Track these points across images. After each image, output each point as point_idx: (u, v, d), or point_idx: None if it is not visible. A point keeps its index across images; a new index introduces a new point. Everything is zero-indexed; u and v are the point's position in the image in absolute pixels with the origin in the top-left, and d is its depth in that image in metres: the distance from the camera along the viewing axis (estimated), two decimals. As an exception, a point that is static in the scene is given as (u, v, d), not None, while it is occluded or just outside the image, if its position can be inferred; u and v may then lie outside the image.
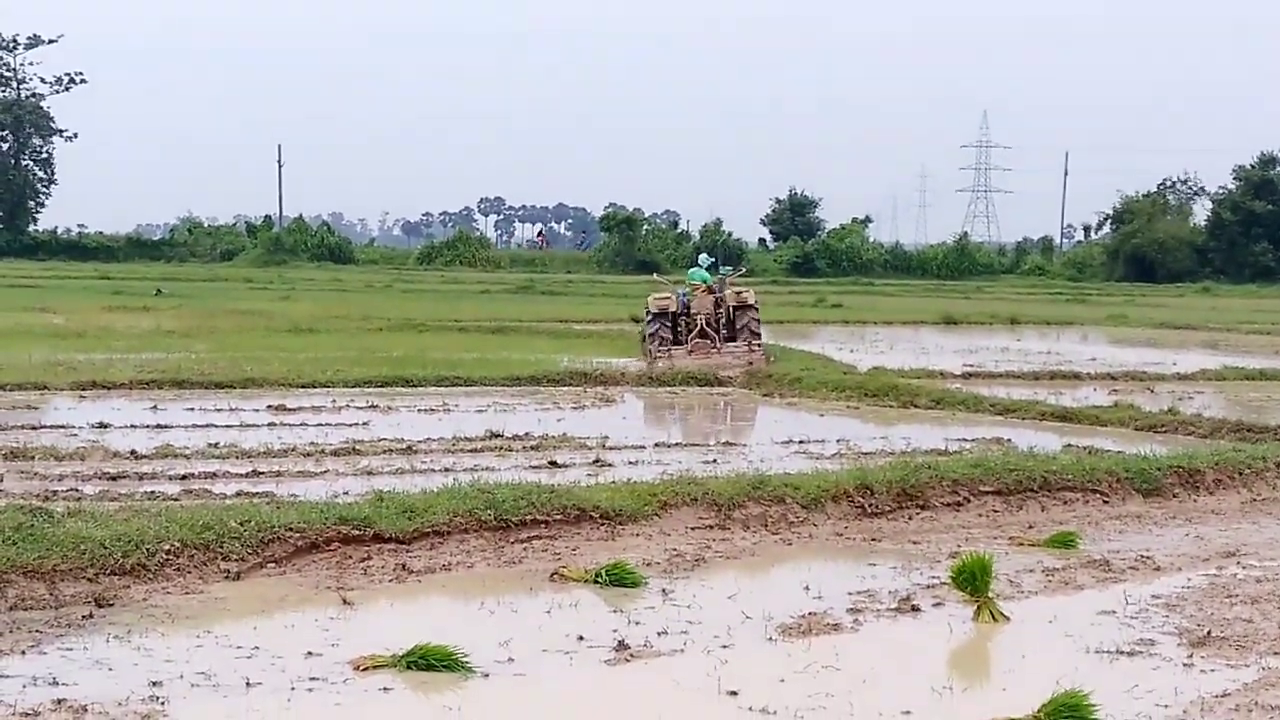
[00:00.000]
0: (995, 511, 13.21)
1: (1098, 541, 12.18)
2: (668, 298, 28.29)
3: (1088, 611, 9.73)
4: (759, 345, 27.57)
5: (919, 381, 23.57)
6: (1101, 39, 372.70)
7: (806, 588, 10.17)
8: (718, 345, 27.53)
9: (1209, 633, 9.11)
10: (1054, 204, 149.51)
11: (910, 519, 12.81)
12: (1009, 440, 17.45)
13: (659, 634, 8.88)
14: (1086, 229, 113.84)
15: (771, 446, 16.84)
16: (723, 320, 28.15)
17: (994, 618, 9.44)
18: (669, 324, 27.82)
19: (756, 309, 28.41)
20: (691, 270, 30.15)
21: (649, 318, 28.04)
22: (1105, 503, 13.73)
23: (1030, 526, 12.76)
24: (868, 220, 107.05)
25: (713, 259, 31.71)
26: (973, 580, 9.64)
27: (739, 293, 28.77)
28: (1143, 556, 11.53)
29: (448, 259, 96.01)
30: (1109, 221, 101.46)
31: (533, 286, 63.34)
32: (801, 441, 17.23)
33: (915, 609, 9.69)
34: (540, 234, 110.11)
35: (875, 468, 13.79)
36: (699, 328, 27.85)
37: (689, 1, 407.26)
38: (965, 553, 10.30)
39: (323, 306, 42.63)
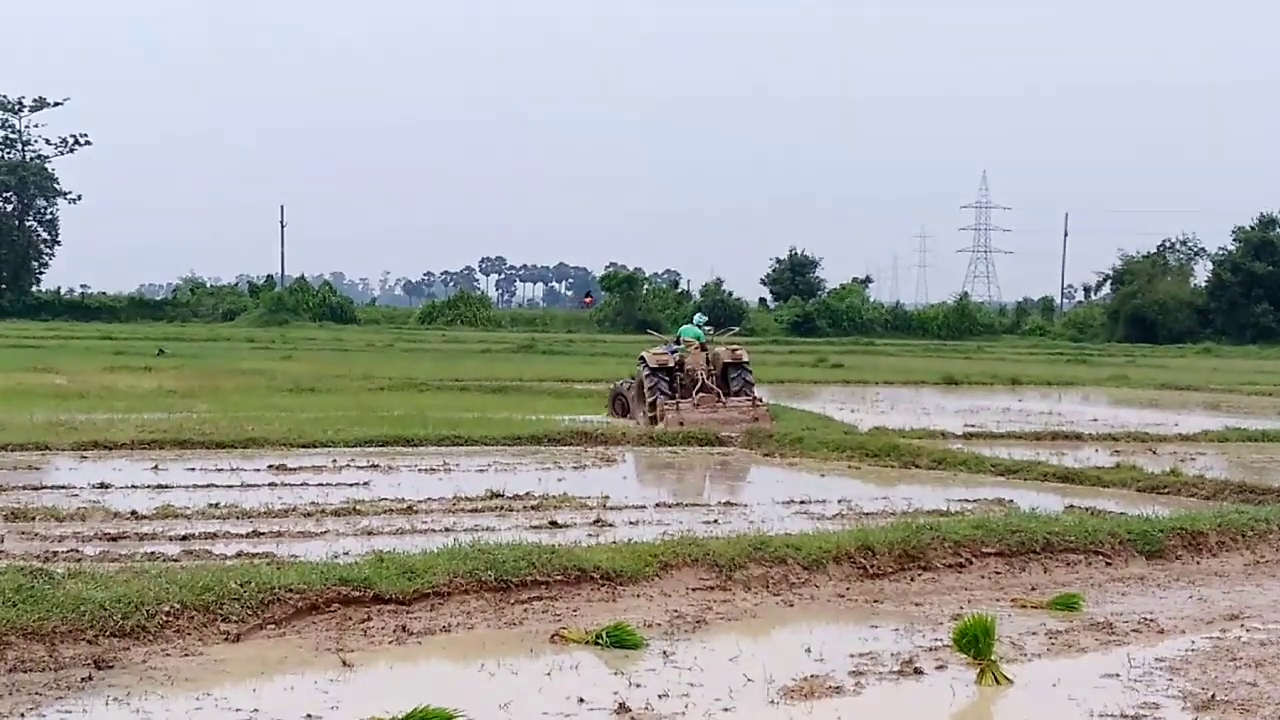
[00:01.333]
0: (998, 573, 13.16)
1: (1101, 604, 12.12)
2: (665, 353, 28.28)
3: (1091, 675, 9.68)
4: (761, 401, 27.55)
5: (920, 442, 23.54)
6: (1100, 100, 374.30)
7: (808, 650, 10.13)
8: (723, 400, 27.49)
9: (1213, 696, 9.06)
10: (1054, 264, 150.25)
11: (912, 580, 12.77)
12: (1011, 501, 17.42)
13: (660, 696, 8.83)
14: (1087, 289, 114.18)
15: (773, 507, 16.80)
16: (714, 377, 28.10)
17: (997, 680, 9.38)
18: (667, 379, 27.76)
19: (749, 367, 28.55)
20: (684, 327, 30.16)
21: (647, 372, 27.91)
22: (1108, 564, 13.68)
23: (1033, 588, 12.71)
24: (868, 280, 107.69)
25: (707, 319, 31.72)
26: (975, 643, 9.60)
27: (733, 349, 28.97)
28: (1146, 619, 11.49)
29: (449, 318, 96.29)
30: (1109, 282, 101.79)
31: (534, 346, 63.43)
32: (803, 502, 17.20)
33: (918, 671, 9.64)
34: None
35: (877, 529, 13.74)
36: (700, 383, 27.79)
37: (690, 65, 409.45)
38: (968, 615, 10.25)
39: (324, 366, 42.69)
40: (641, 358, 28.36)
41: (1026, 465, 20.75)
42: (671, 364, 27.95)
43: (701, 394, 27.46)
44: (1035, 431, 26.93)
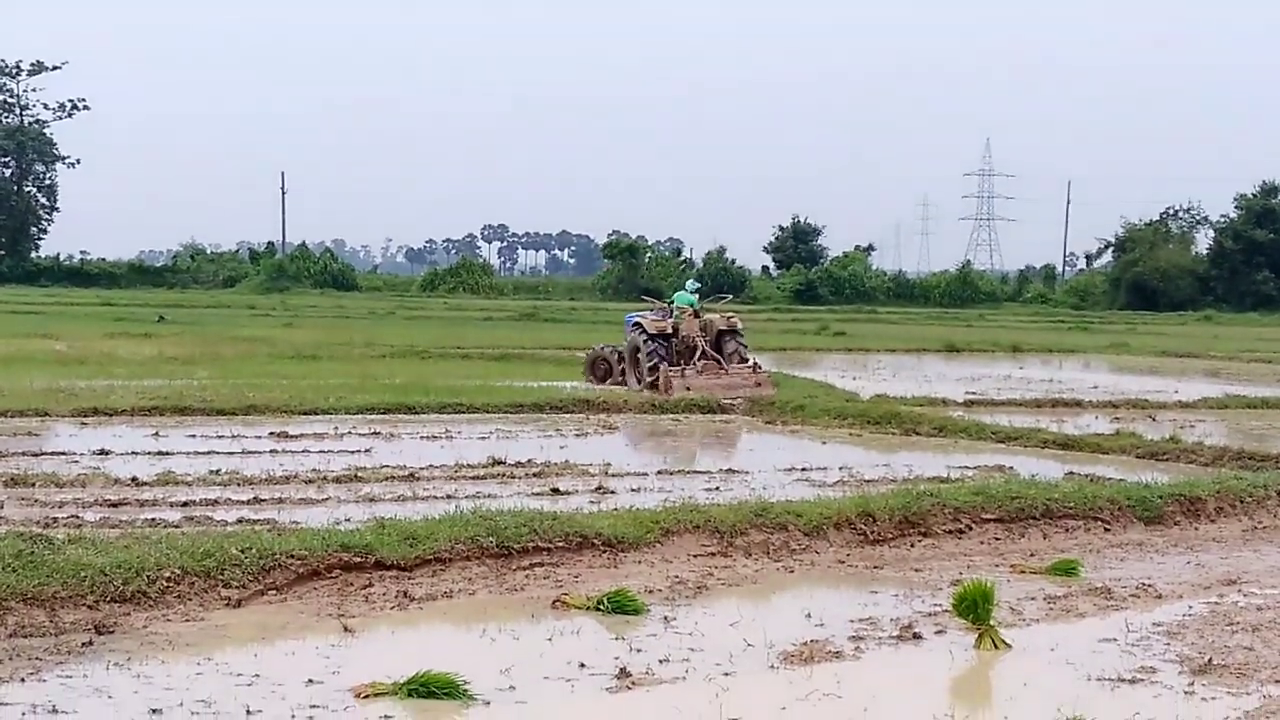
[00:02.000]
0: (997, 539, 13.20)
1: (1099, 569, 12.16)
2: (661, 319, 28.32)
3: (1089, 639, 9.71)
4: (762, 368, 27.60)
5: (921, 409, 23.57)
6: (1104, 67, 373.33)
7: (808, 615, 10.16)
8: (725, 366, 27.55)
9: (1210, 660, 9.09)
10: (1056, 232, 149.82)
11: (912, 546, 12.80)
12: (1011, 468, 17.45)
13: (661, 661, 8.86)
14: (1088, 257, 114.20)
15: (774, 474, 16.82)
16: (709, 344, 28.12)
17: (995, 645, 9.42)
18: (664, 345, 27.78)
19: (742, 334, 28.67)
20: (678, 294, 30.17)
21: (645, 338, 27.87)
22: (1107, 530, 13.72)
23: (1032, 554, 12.74)
24: (870, 248, 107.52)
25: (699, 285, 31.77)
26: (974, 608, 9.64)
27: (728, 317, 29.10)
28: (1144, 584, 11.52)
29: (451, 286, 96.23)
30: (1111, 250, 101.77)
31: (536, 314, 63.42)
32: (804, 469, 17.22)
33: (917, 637, 9.67)
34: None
35: (877, 495, 13.77)
36: (700, 350, 27.79)
37: (691, 29, 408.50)
38: (967, 580, 10.29)
39: (325, 333, 42.69)
40: (636, 323, 28.32)
41: (1027, 432, 20.78)
42: (668, 330, 27.96)
43: (704, 361, 27.47)
44: (1036, 399, 26.96)
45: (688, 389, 26.13)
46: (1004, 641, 9.48)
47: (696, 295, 30.08)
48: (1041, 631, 9.99)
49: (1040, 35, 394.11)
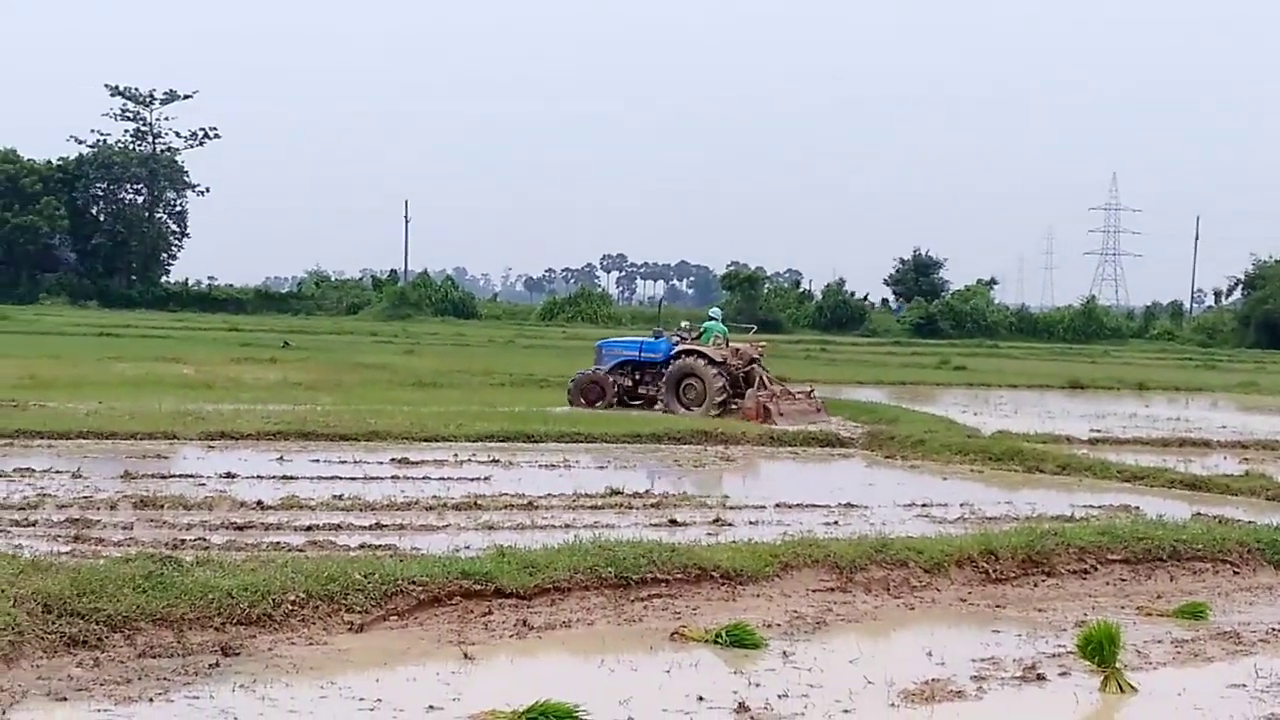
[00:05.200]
0: (1123, 580, 13.00)
1: (1228, 613, 11.94)
2: (720, 349, 29.16)
3: (1217, 685, 9.54)
4: (816, 395, 28.82)
5: (1044, 446, 23.29)
6: (1235, 103, 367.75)
7: (929, 653, 10.06)
8: (794, 394, 28.59)
9: (1344, 710, 8.88)
10: (1184, 268, 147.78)
11: (1035, 586, 12.64)
12: (1137, 508, 17.19)
13: (780, 696, 8.81)
14: (1217, 294, 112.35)
15: (893, 509, 16.70)
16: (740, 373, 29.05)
17: (1121, 689, 9.28)
18: (727, 374, 28.74)
19: (764, 365, 29.63)
20: (710, 323, 30.59)
21: (705, 363, 28.60)
22: (1235, 573, 13.47)
23: (1158, 596, 12.54)
24: (993, 282, 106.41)
25: (722, 311, 32.34)
26: (1100, 650, 9.49)
27: (758, 346, 30.28)
28: (1274, 629, 11.30)
29: (569, 315, 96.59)
30: (1240, 287, 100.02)
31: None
32: (924, 505, 17.08)
33: (1041, 678, 9.54)
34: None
35: (1000, 533, 13.63)
36: (759, 379, 28.76)
37: (813, 61, 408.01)
38: (1092, 621, 10.13)
39: (446, 361, 43.00)
40: (696, 351, 28.91)
41: (1153, 472, 20.47)
42: (725, 359, 28.86)
43: (772, 390, 28.47)
44: (1162, 438, 26.53)
45: (781, 414, 27.13)
46: (1130, 685, 9.33)
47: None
48: (1168, 675, 9.82)
49: (1168, 69, 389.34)
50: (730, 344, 29.61)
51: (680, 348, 29.25)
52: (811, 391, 29.08)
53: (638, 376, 29.83)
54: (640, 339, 30.79)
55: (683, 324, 31.71)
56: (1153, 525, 14.24)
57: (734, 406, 28.25)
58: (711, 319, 30.82)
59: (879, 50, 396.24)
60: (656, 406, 28.78)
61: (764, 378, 28.95)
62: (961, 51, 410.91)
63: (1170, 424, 30.10)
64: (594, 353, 31.39)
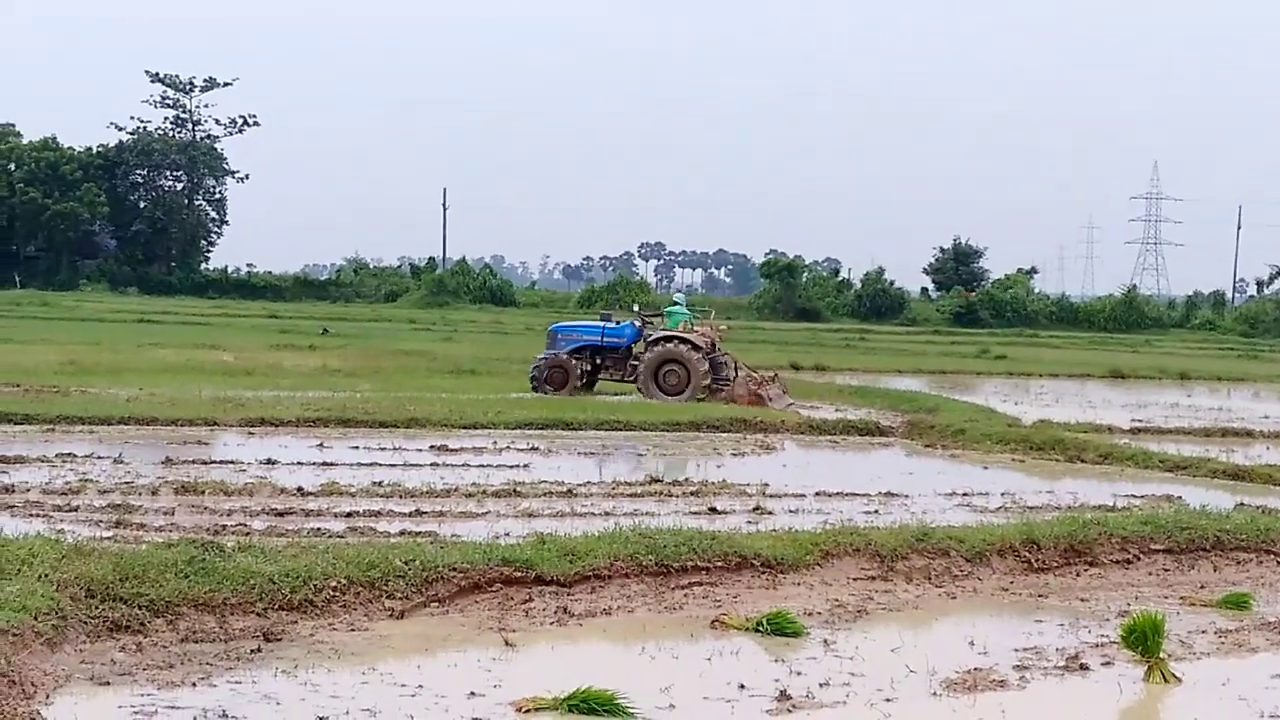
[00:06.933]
0: (1166, 570, 12.93)
1: (1272, 603, 11.87)
2: (696, 333, 29.32)
3: (1262, 675, 9.48)
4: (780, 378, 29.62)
5: (1086, 436, 23.17)
6: (1277, 87, 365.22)
7: (971, 643, 10.01)
8: (766, 380, 28.85)
9: (1392, 702, 8.80)
10: (1226, 257, 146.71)
11: (1078, 576, 12.58)
12: (1179, 498, 17.08)
13: (821, 685, 8.78)
14: (1260, 283, 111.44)
15: (934, 498, 16.63)
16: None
17: (1165, 679, 9.22)
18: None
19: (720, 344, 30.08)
20: (675, 309, 30.57)
21: (688, 348, 28.66)
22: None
23: (1202, 586, 12.47)
24: (1033, 271, 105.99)
25: (685, 298, 32.67)
26: (1144, 640, 9.43)
27: (720, 329, 30.59)
28: (1320, 621, 11.20)
29: (607, 303, 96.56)
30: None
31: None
32: (965, 494, 17.00)
33: (1084, 668, 9.49)
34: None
35: (1042, 522, 13.57)
36: (733, 363, 29.19)
37: (850, 50, 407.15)
38: (1135, 611, 10.09)
39: (484, 348, 43.05)
40: (682, 338, 28.89)
41: (1195, 461, 20.35)
42: (702, 344, 29.07)
43: (761, 376, 28.82)
44: (1204, 427, 26.39)
45: (771, 398, 27.69)
46: (1174, 675, 9.28)
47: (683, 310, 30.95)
48: (1212, 666, 9.76)
49: (1211, 58, 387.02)
50: (695, 329, 29.66)
51: (659, 334, 29.20)
52: (775, 375, 29.44)
53: (598, 361, 29.70)
54: (601, 324, 30.30)
55: (634, 307, 31.90)
56: (1196, 515, 14.15)
57: (715, 389, 28.52)
58: (676, 304, 30.83)
59: (921, 42, 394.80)
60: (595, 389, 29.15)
61: (735, 363, 29.28)
62: (1004, 45, 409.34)
63: (1212, 414, 29.91)
64: (548, 337, 30.87)
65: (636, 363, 29.02)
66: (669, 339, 28.90)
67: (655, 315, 30.64)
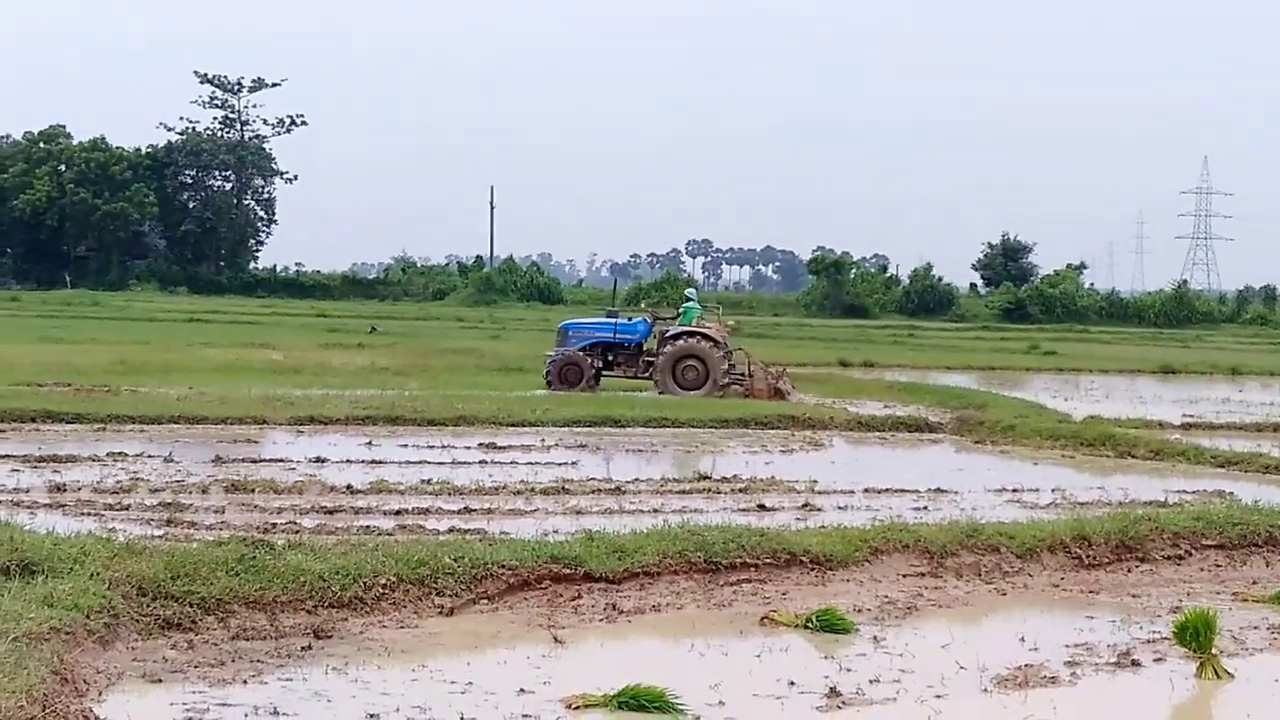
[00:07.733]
0: (1218, 566, 12.84)
1: (1327, 600, 11.74)
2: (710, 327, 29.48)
3: (1317, 672, 9.39)
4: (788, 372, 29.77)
5: (1136, 431, 23.01)
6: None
7: (1022, 639, 9.97)
8: (780, 374, 29.14)
9: None
10: (1277, 252, 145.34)
11: (1129, 572, 12.51)
12: (1231, 493, 16.93)
13: (871, 682, 8.76)
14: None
15: (984, 494, 16.55)
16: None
17: (1218, 675, 9.16)
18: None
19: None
20: (689, 304, 30.49)
21: (709, 345, 28.78)
22: (1334, 560, 13.25)
23: (1254, 582, 12.38)
24: (1083, 266, 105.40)
25: (696, 294, 32.65)
26: (1196, 636, 9.36)
27: (728, 325, 30.77)
28: (1375, 617, 11.10)
29: (655, 300, 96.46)
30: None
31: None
32: (1015, 490, 16.91)
33: (1135, 664, 9.44)
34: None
35: (1093, 518, 13.48)
36: (748, 360, 29.36)
37: (898, 48, 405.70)
38: (1187, 608, 10.01)
39: (531, 346, 43.05)
40: (700, 333, 28.97)
41: (1247, 457, 20.19)
42: (720, 339, 29.25)
43: (776, 370, 29.12)
44: (1256, 423, 26.17)
45: (788, 391, 28.17)
46: (1226, 671, 9.21)
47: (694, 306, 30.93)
48: (1266, 662, 9.69)
49: (1260, 52, 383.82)
50: (706, 324, 29.60)
51: (676, 329, 29.20)
52: (784, 370, 29.51)
53: (609, 357, 29.68)
54: (614, 320, 30.26)
55: (641, 304, 31.97)
56: (1248, 510, 14.04)
57: (729, 384, 28.59)
58: (688, 300, 30.73)
59: (968, 38, 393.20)
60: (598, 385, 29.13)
61: (749, 358, 29.47)
62: (1053, 38, 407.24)
63: (1264, 409, 29.65)
64: (558, 334, 30.84)
65: (650, 359, 29.02)
66: (689, 334, 28.89)
67: (672, 317, 30.40)
